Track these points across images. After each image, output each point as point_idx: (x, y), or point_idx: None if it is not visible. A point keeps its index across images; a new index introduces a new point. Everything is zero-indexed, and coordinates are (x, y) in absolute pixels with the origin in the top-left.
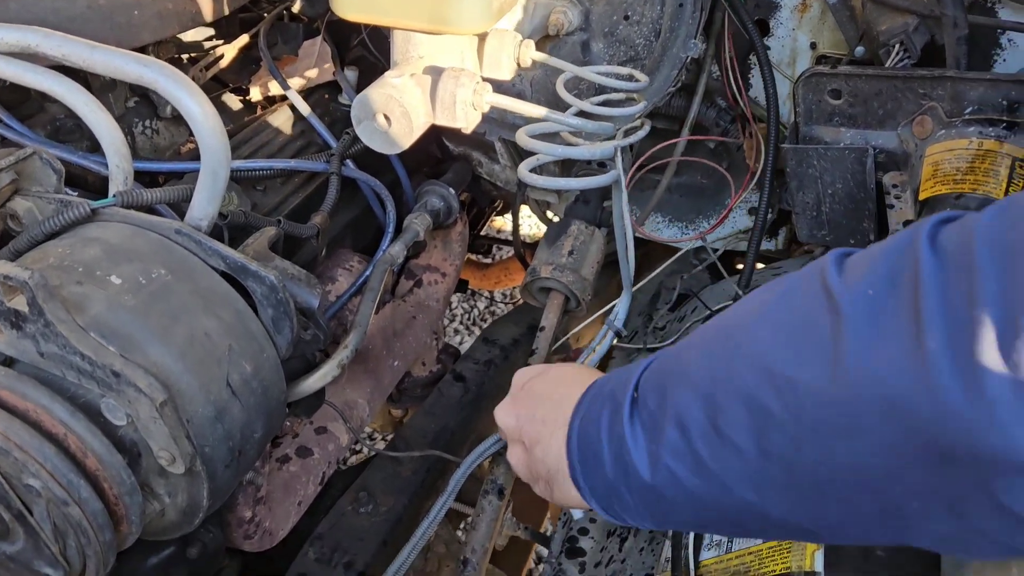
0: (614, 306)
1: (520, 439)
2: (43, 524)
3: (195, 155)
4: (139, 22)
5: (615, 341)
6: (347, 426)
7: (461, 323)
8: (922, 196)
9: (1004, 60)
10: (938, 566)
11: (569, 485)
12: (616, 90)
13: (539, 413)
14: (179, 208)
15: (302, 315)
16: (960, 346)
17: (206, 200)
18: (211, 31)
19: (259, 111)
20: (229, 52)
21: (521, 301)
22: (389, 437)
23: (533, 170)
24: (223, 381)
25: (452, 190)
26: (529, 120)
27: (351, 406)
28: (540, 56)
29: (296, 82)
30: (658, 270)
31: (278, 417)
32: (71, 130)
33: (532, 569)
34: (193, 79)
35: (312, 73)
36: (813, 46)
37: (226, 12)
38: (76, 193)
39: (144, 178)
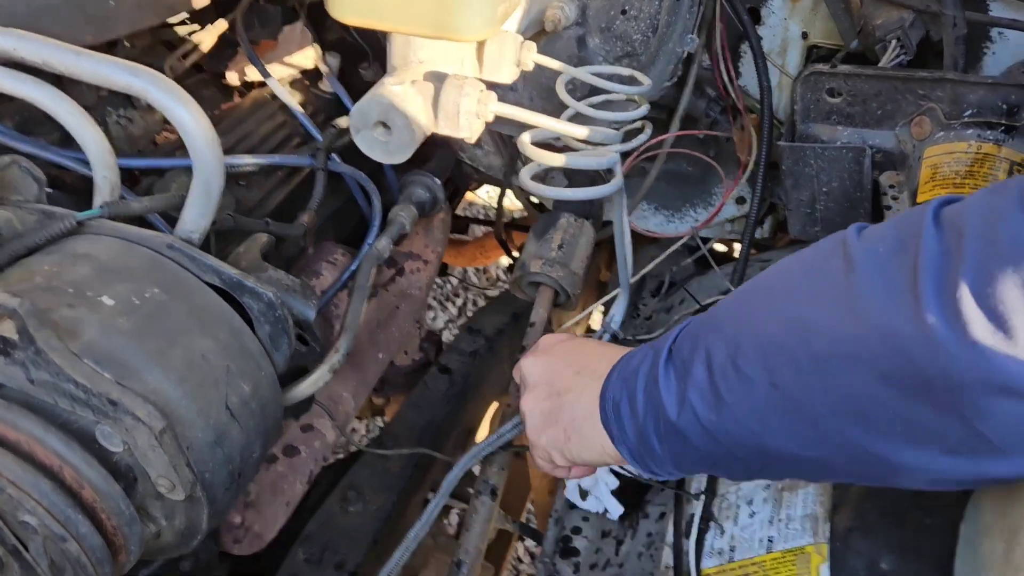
0: (607, 303)
1: (546, 384)
2: (39, 559)
3: (174, 147)
4: (115, 13)
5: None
6: (333, 422)
7: (434, 299)
8: (920, 199)
9: (994, 53)
10: None
11: (594, 434)
12: (619, 94)
13: (576, 365)
14: (167, 215)
15: (298, 327)
16: (946, 291)
17: (199, 214)
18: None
19: (236, 97)
20: (207, 39)
21: (495, 278)
22: (371, 426)
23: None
24: (222, 404)
25: (438, 180)
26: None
27: (336, 401)
28: (542, 59)
29: (276, 68)
30: (651, 264)
31: (275, 433)
32: (40, 121)
33: (517, 565)
34: (171, 69)
35: (292, 59)
36: (804, 36)
37: (206, 1)
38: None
39: (124, 175)
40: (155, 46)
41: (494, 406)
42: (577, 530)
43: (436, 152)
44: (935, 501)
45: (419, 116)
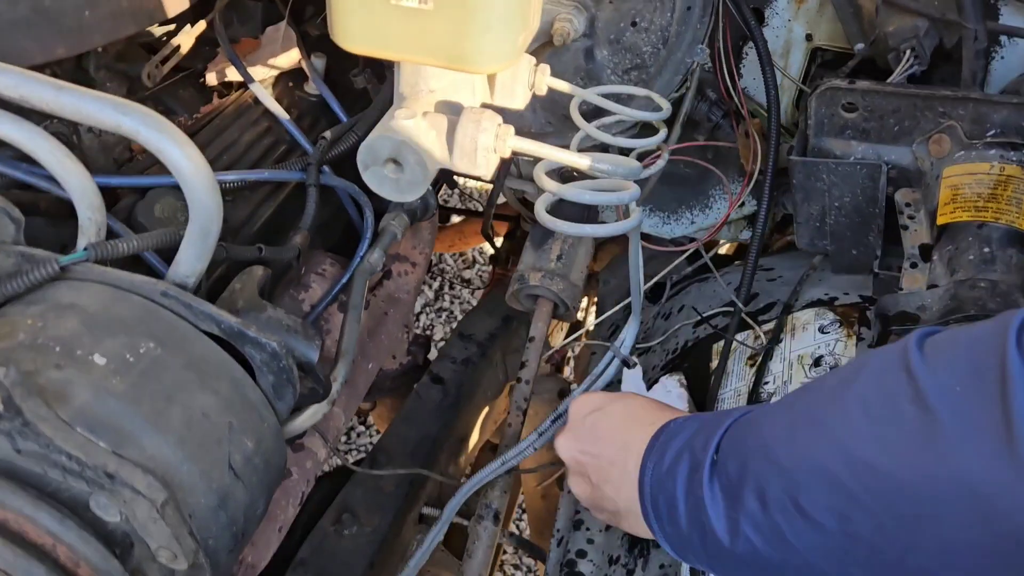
0: (607, 320)
1: (585, 474)
2: None
3: (154, 159)
4: (91, 24)
5: (614, 360)
6: (325, 441)
7: None
8: (940, 221)
9: (1002, 58)
10: None
11: (641, 523)
12: (636, 119)
13: (607, 453)
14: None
15: (299, 369)
16: None
17: (195, 257)
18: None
19: (215, 98)
20: (186, 41)
21: (472, 260)
22: (357, 433)
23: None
24: (225, 464)
25: (429, 186)
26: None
27: (328, 418)
28: (556, 83)
29: (258, 70)
30: (661, 274)
31: (278, 483)
32: None
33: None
34: (149, 76)
35: (275, 60)
36: (809, 38)
37: (186, 5)
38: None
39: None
40: (132, 50)
41: (485, 411)
42: (582, 553)
43: None
44: None
45: (433, 152)
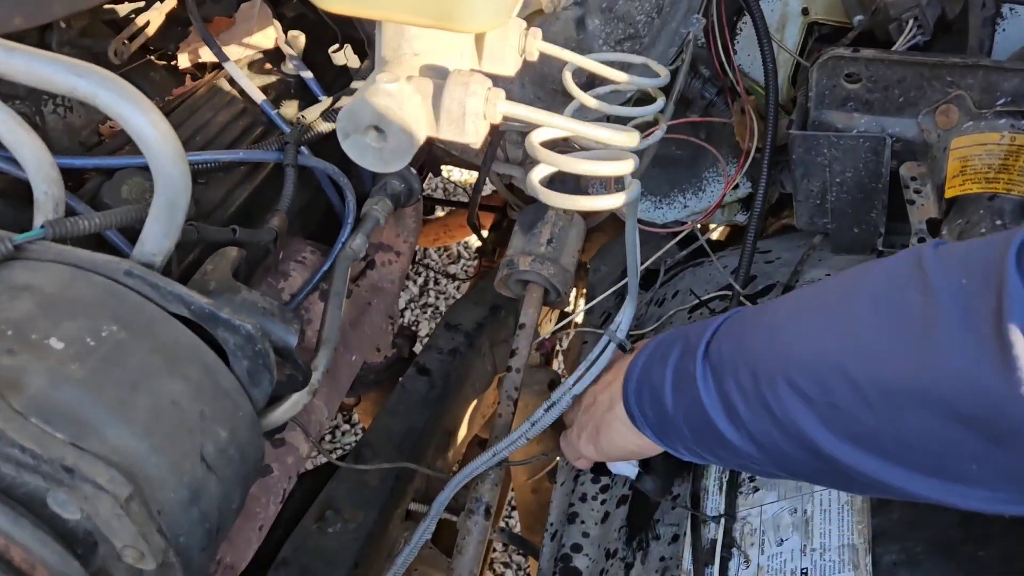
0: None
1: (579, 410)
2: None
3: (124, 140)
4: None
5: (608, 344)
6: (307, 436)
7: None
8: (949, 194)
9: (1003, 30)
10: None
11: (619, 421)
12: (632, 86)
13: (600, 386)
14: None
15: (277, 355)
16: None
17: (162, 234)
18: None
19: (188, 81)
20: (155, 18)
21: (457, 255)
22: (342, 431)
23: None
24: (197, 455)
25: (413, 170)
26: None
27: (309, 411)
28: (549, 47)
29: (233, 50)
30: (653, 258)
31: (255, 476)
32: None
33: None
34: (116, 53)
35: (251, 39)
36: (805, 11)
37: None
38: None
39: (64, 177)
40: (96, 27)
41: (474, 404)
42: (577, 547)
43: None
44: (987, 531)
45: (418, 119)
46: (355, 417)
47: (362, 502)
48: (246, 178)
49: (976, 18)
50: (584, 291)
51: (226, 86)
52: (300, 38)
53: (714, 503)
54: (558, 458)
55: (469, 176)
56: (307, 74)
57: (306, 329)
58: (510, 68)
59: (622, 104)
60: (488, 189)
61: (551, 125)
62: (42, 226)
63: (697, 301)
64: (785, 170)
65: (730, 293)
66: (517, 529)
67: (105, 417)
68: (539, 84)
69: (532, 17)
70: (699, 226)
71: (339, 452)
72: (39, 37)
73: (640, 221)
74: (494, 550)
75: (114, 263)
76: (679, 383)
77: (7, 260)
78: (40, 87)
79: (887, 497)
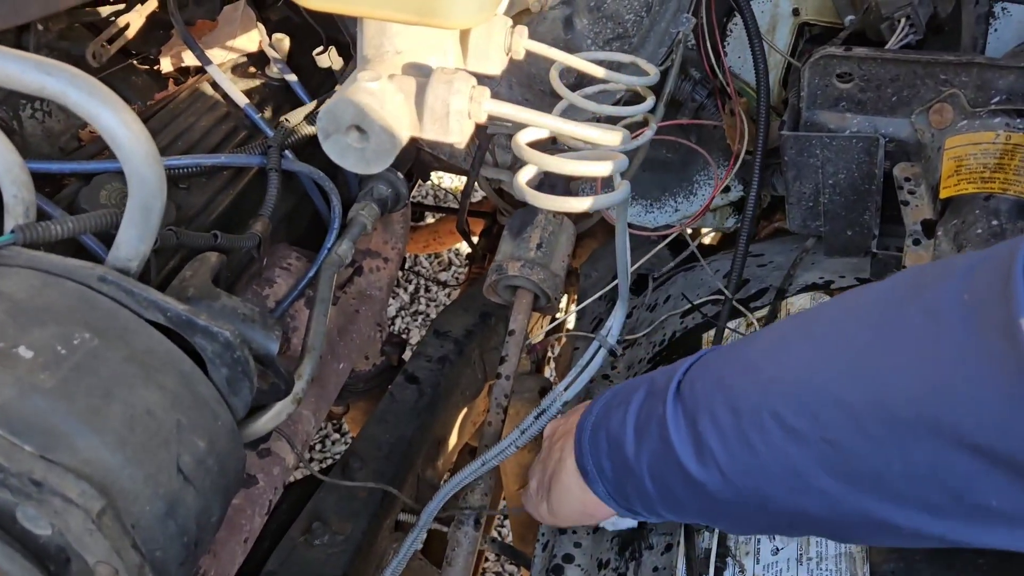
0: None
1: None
2: None
3: (103, 144)
4: None
5: (600, 350)
6: (293, 447)
7: None
8: (944, 194)
9: (995, 30)
10: None
11: (570, 477)
12: (622, 86)
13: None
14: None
15: (259, 363)
16: None
17: (137, 238)
18: None
19: (171, 85)
20: (135, 20)
21: (447, 263)
22: (333, 428)
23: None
24: (173, 467)
25: (400, 174)
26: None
27: (295, 420)
28: (535, 46)
29: (216, 53)
30: (642, 260)
31: (236, 487)
32: None
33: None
34: (94, 56)
35: (234, 42)
36: (796, 12)
37: None
38: None
39: (41, 182)
40: (75, 29)
41: (464, 412)
42: (569, 558)
43: None
44: None
45: (400, 118)
46: (345, 426)
47: (350, 513)
48: (229, 183)
49: (969, 15)
50: (575, 297)
51: (209, 90)
52: (284, 41)
53: None
54: None
55: (459, 182)
56: (292, 77)
57: (292, 337)
58: (495, 67)
59: (611, 104)
60: (478, 195)
61: (537, 124)
62: (12, 231)
63: (689, 306)
64: (777, 172)
65: (722, 297)
66: (509, 539)
67: (76, 428)
68: (527, 85)
69: (519, 16)
70: (690, 230)
71: (329, 461)
72: (15, 39)
73: (631, 225)
74: (486, 559)
75: (87, 268)
76: (644, 427)
77: None
78: (8, 86)
79: (893, 544)
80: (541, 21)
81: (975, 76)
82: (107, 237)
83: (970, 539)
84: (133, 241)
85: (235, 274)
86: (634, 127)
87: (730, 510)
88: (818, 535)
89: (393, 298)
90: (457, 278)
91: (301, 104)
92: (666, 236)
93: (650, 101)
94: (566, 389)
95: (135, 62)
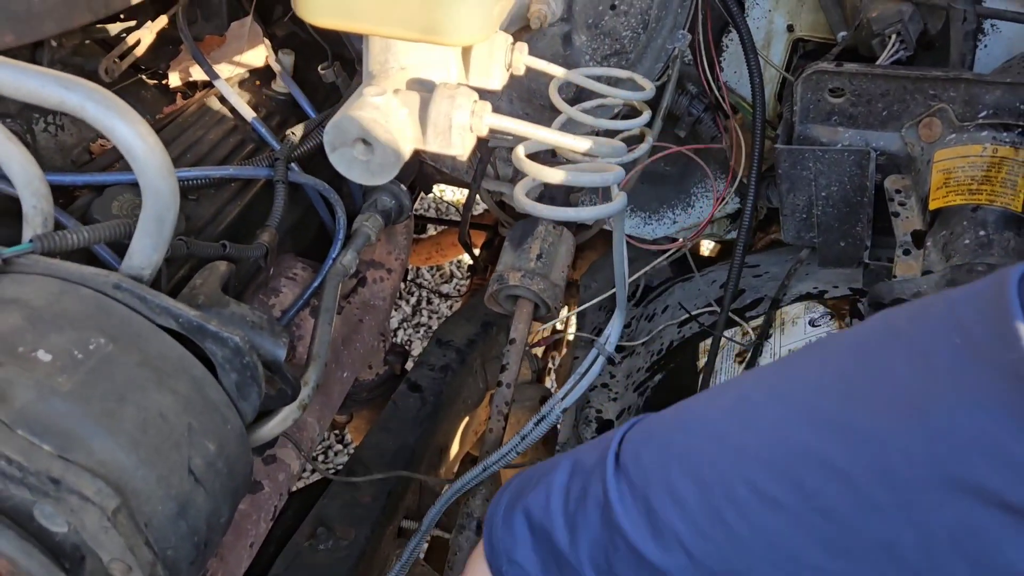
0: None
1: None
2: None
3: (114, 157)
4: (41, 10)
5: (598, 357)
6: (298, 452)
7: None
8: (933, 206)
9: (985, 46)
10: None
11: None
12: (619, 100)
13: None
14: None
15: (267, 369)
16: None
17: (150, 247)
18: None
19: (179, 99)
20: (146, 36)
21: (449, 275)
22: (330, 443)
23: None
24: (184, 468)
25: (403, 187)
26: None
27: (300, 427)
28: (535, 62)
29: (224, 68)
30: (639, 273)
31: (244, 490)
32: None
33: None
34: (106, 72)
35: (241, 57)
36: (790, 28)
37: None
38: None
39: (54, 194)
40: (87, 46)
41: (466, 421)
42: None
43: None
44: None
45: (404, 131)
46: (347, 437)
47: (354, 519)
48: (237, 195)
49: (958, 32)
50: (575, 310)
51: (217, 104)
52: (290, 57)
53: None
54: None
55: (461, 196)
56: (297, 92)
57: (297, 345)
58: (497, 82)
59: (609, 119)
60: (480, 208)
61: (537, 137)
62: (31, 240)
63: (687, 315)
64: (772, 185)
65: (719, 308)
66: None
67: (92, 429)
68: (527, 100)
69: (519, 33)
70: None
71: (331, 472)
72: (30, 55)
73: (630, 237)
74: None
75: (102, 276)
76: (577, 511)
77: None
78: (28, 100)
79: None
80: (540, 38)
81: (963, 91)
82: (118, 247)
83: None
84: (147, 250)
85: (243, 283)
86: (632, 141)
87: None
88: None
89: (395, 310)
90: (459, 290)
91: (307, 118)
92: (666, 250)
93: (647, 115)
94: (565, 396)
95: (144, 77)
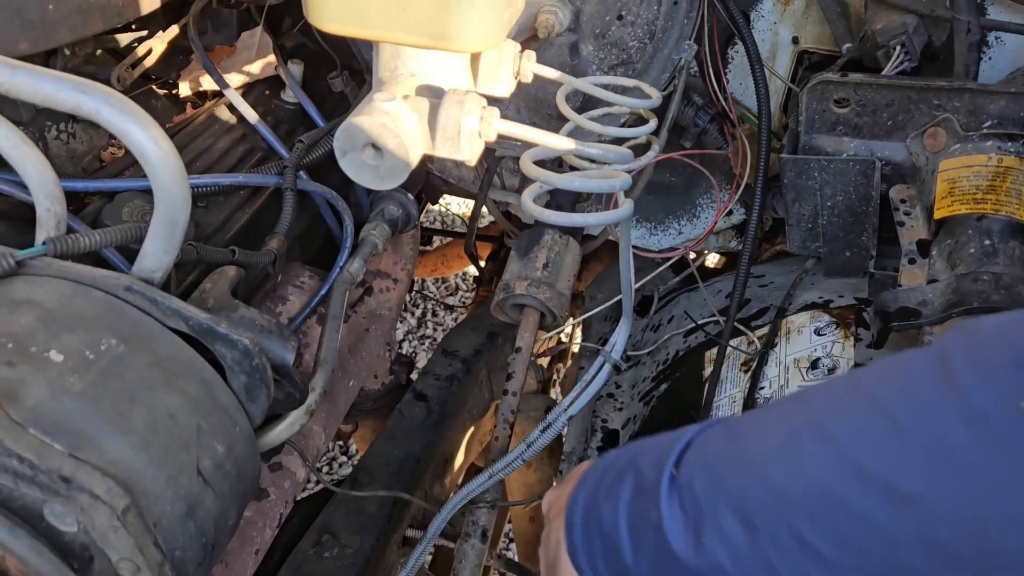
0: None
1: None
2: None
3: (124, 165)
4: (55, 18)
5: (605, 366)
6: (304, 460)
7: None
8: (938, 215)
9: (989, 59)
10: None
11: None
12: (626, 108)
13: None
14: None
15: (275, 372)
16: None
17: (161, 250)
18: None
19: (189, 108)
20: (157, 46)
21: (455, 287)
22: (335, 453)
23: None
24: (193, 469)
25: (410, 196)
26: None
27: (306, 436)
28: (542, 69)
29: (234, 78)
30: (644, 280)
31: (252, 493)
32: None
33: None
34: (118, 80)
35: (251, 67)
36: (795, 40)
37: (157, 4)
38: None
39: (67, 199)
40: (99, 55)
41: (471, 431)
42: None
43: None
44: None
45: (414, 136)
46: (352, 448)
47: (359, 527)
48: (246, 203)
49: (961, 43)
50: (580, 324)
51: (226, 113)
52: (299, 67)
53: None
54: (554, 486)
55: (466, 208)
56: (306, 101)
57: (303, 353)
58: (505, 89)
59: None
60: (485, 221)
61: (544, 142)
62: (44, 242)
63: (692, 325)
64: (777, 195)
65: (724, 317)
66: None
67: (103, 429)
68: (534, 109)
69: (527, 43)
70: (693, 255)
71: (334, 483)
72: (43, 63)
73: (635, 248)
74: None
75: (114, 278)
76: (638, 530)
77: (9, 275)
78: (45, 104)
79: None
80: (548, 47)
81: (967, 101)
82: (126, 251)
83: None
84: (158, 253)
85: (251, 290)
86: (638, 151)
87: None
88: None
89: (400, 322)
90: (464, 302)
91: (315, 127)
92: (670, 258)
93: (653, 122)
94: (571, 404)
95: (154, 87)
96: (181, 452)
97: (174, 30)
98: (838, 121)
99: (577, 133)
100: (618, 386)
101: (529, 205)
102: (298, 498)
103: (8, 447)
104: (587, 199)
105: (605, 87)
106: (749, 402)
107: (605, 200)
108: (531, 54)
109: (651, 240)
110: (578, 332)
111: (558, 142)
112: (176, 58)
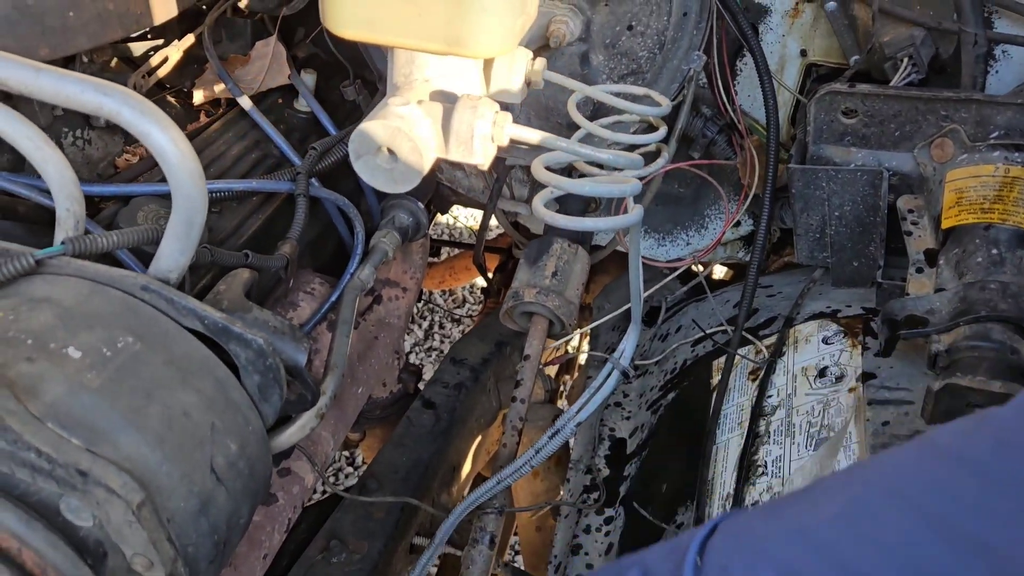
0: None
1: None
2: None
3: (138, 171)
4: (75, 25)
5: (613, 372)
6: (313, 466)
7: None
8: (945, 224)
9: (997, 72)
10: None
11: None
12: (636, 116)
13: None
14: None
15: (287, 373)
16: None
17: (178, 251)
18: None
19: (202, 116)
20: (173, 54)
21: (462, 299)
22: (343, 463)
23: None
24: (207, 467)
25: (420, 204)
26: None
27: (315, 442)
28: (554, 76)
29: (248, 87)
30: (652, 289)
31: (263, 492)
32: None
33: None
34: (134, 87)
35: (265, 76)
36: (803, 53)
37: (174, 13)
38: None
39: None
40: (116, 63)
41: (478, 440)
42: None
43: None
44: None
45: (428, 141)
46: (358, 459)
47: (367, 533)
48: (258, 209)
49: (969, 55)
50: (588, 335)
51: (240, 121)
52: (312, 76)
53: None
54: (560, 494)
55: (475, 220)
56: (319, 110)
57: (314, 359)
58: (516, 95)
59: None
60: (493, 233)
61: (556, 147)
62: (63, 242)
63: (700, 334)
64: (785, 205)
65: (732, 326)
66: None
67: (119, 425)
68: (544, 118)
69: (538, 53)
70: (701, 266)
71: (342, 489)
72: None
73: (643, 258)
74: None
75: (131, 278)
76: None
77: (29, 274)
78: (67, 105)
79: None
80: (559, 57)
81: (974, 112)
82: (140, 254)
83: None
84: (175, 254)
85: (263, 295)
86: (648, 159)
87: None
88: None
89: (408, 333)
90: (471, 315)
91: (327, 135)
92: (678, 267)
93: (663, 130)
94: (579, 410)
95: (169, 95)
96: (195, 449)
97: (190, 39)
98: (846, 132)
99: (588, 140)
100: (625, 395)
101: (540, 209)
102: (306, 506)
103: (27, 441)
104: (596, 208)
105: (616, 95)
106: (757, 410)
107: (614, 210)
108: (543, 61)
109: (659, 251)
110: (585, 343)
111: (569, 146)
112: (191, 67)
